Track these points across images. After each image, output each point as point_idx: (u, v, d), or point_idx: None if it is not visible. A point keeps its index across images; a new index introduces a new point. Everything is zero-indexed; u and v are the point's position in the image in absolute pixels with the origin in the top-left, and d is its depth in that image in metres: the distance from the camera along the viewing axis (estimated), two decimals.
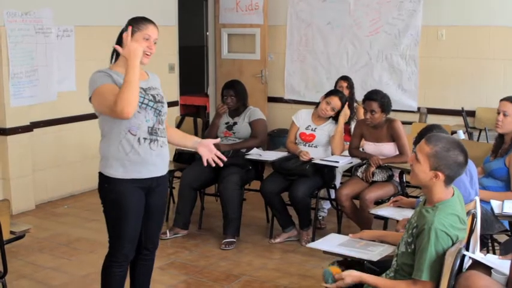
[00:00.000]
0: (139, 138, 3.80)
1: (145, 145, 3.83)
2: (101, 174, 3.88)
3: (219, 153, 4.12)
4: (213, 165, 4.13)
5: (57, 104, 7.35)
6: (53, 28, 7.19)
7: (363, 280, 3.25)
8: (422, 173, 3.18)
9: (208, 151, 4.11)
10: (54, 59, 7.25)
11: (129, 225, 3.88)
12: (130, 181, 3.83)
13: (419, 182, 3.24)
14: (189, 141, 4.18)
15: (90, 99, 3.80)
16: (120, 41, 3.81)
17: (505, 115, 4.95)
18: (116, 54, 3.92)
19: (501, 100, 5.08)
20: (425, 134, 3.85)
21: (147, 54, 3.81)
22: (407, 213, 4.43)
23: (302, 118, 6.31)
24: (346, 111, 6.16)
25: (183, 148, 6.63)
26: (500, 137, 5.12)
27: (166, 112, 3.98)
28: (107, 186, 3.85)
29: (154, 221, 4.07)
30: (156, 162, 3.90)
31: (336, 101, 6.13)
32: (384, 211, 4.67)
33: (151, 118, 3.84)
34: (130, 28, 3.76)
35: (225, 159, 4.15)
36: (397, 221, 4.33)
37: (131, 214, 3.86)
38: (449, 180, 3.18)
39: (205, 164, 4.12)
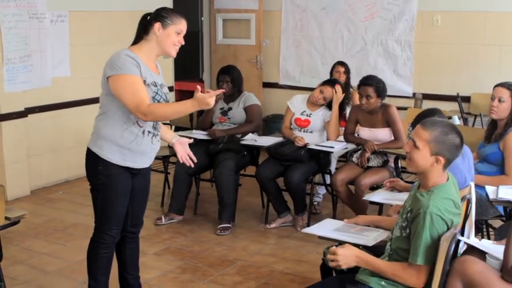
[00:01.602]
0: (144, 131, 3.84)
1: (148, 138, 3.87)
2: (95, 155, 3.85)
3: (191, 154, 4.16)
4: (187, 164, 4.17)
5: (51, 90, 7.32)
6: (47, 13, 7.15)
7: (360, 260, 3.24)
8: (423, 159, 3.17)
9: (183, 150, 4.16)
10: (48, 44, 7.22)
11: (118, 208, 3.93)
12: (125, 168, 3.86)
13: (419, 168, 3.22)
14: (169, 136, 4.21)
15: (107, 78, 3.72)
16: (145, 28, 3.83)
17: (500, 101, 4.95)
18: (139, 36, 3.90)
19: (496, 86, 5.08)
20: (427, 117, 3.85)
21: (177, 48, 3.87)
22: (401, 197, 4.45)
23: (297, 103, 6.31)
24: (338, 96, 6.15)
25: (178, 134, 6.64)
26: (493, 123, 5.12)
27: None
28: (101, 168, 3.85)
29: (139, 203, 4.13)
30: (151, 155, 3.99)
31: (329, 91, 6.14)
32: (378, 196, 4.67)
33: None
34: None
35: (195, 160, 4.17)
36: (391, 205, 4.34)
37: (121, 196, 3.91)
38: (448, 164, 3.19)
39: (180, 161, 4.18)
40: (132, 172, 3.93)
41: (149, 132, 3.86)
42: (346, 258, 3.23)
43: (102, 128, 3.84)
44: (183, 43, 3.86)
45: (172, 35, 3.80)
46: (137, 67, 3.71)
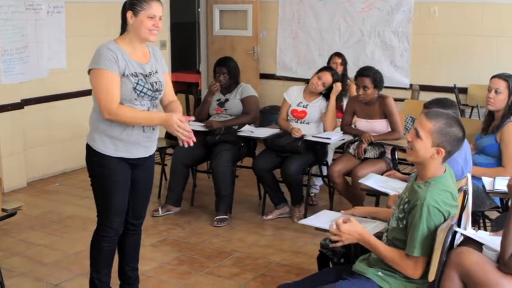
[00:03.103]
0: None
1: (139, 128, 3.85)
2: (89, 147, 3.90)
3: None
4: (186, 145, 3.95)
5: (48, 81, 7.31)
6: (43, 4, 7.12)
7: (362, 238, 3.25)
8: (424, 150, 3.17)
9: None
10: (45, 35, 7.20)
11: (117, 199, 3.92)
12: (119, 159, 3.86)
13: (419, 158, 3.21)
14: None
15: (89, 71, 3.80)
16: (123, 17, 3.82)
17: (497, 92, 4.96)
18: (122, 28, 3.90)
19: (492, 77, 5.09)
20: (441, 104, 3.87)
21: (154, 32, 3.81)
22: (396, 185, 4.46)
23: (293, 95, 6.30)
24: (337, 87, 6.14)
25: None
26: (490, 114, 5.13)
27: (162, 96, 4.00)
28: (96, 160, 3.88)
29: (141, 195, 4.12)
30: (147, 145, 3.96)
31: (327, 76, 6.12)
32: (372, 180, 4.69)
33: (146, 103, 3.87)
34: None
35: (194, 139, 3.95)
36: (387, 194, 4.35)
37: (119, 187, 3.90)
38: (448, 156, 3.19)
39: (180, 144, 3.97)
40: (131, 163, 3.92)
41: None
42: (349, 234, 3.24)
43: (94, 120, 3.88)
44: (160, 26, 3.81)
45: (145, 21, 3.75)
46: (115, 61, 3.73)
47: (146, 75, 3.84)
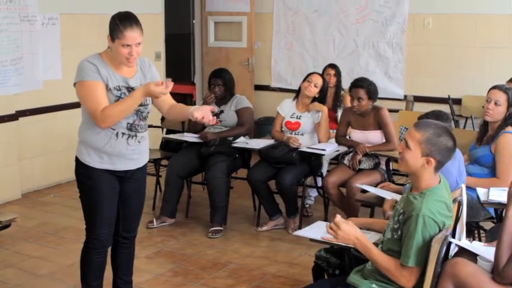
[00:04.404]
0: (117, 133, 3.85)
1: (123, 140, 3.87)
2: (77, 159, 3.95)
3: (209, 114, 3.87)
4: (212, 123, 3.89)
5: (42, 93, 7.30)
6: (38, 16, 7.13)
7: (359, 242, 3.24)
8: (414, 160, 3.18)
9: (203, 112, 3.84)
10: (40, 47, 7.20)
11: (104, 211, 3.93)
12: (104, 170, 3.88)
13: (410, 169, 3.22)
14: (188, 110, 3.95)
15: (74, 84, 3.83)
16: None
17: (496, 104, 4.87)
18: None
19: (492, 88, 4.99)
20: (434, 119, 3.88)
21: (131, 59, 3.76)
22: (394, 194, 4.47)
23: (286, 107, 6.30)
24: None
25: (170, 136, 6.64)
26: (485, 125, 5.09)
27: (150, 111, 3.98)
28: (83, 171, 3.92)
29: (131, 208, 4.11)
30: (133, 157, 3.95)
31: (316, 77, 6.13)
32: (370, 188, 4.71)
33: (131, 116, 3.86)
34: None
35: (215, 121, 3.91)
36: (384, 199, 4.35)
37: (105, 199, 3.91)
38: (439, 166, 3.19)
39: (205, 121, 3.85)
40: (118, 175, 3.94)
41: (123, 133, 3.86)
42: (346, 235, 3.25)
43: (81, 133, 3.93)
44: (136, 53, 3.74)
45: (120, 49, 3.71)
46: (97, 71, 3.74)
47: (130, 89, 3.83)
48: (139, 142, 3.94)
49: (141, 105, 3.85)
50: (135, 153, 3.94)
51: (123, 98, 3.78)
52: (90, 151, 3.86)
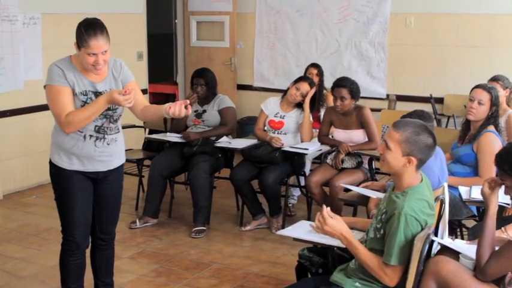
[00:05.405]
0: (85, 135, 3.85)
1: (91, 142, 3.87)
2: (50, 161, 3.96)
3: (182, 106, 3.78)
4: (183, 114, 3.75)
5: (24, 93, 7.25)
6: (19, 16, 7.08)
7: (344, 239, 3.21)
8: (395, 160, 3.19)
9: (177, 107, 3.73)
10: (21, 47, 7.15)
11: (76, 211, 3.92)
12: (74, 171, 3.89)
13: (392, 169, 3.24)
14: (161, 110, 3.85)
15: (44, 87, 3.85)
16: None
17: (480, 103, 4.90)
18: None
19: (475, 87, 5.02)
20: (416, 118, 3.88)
21: (97, 67, 3.74)
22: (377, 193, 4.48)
23: (271, 105, 6.31)
24: (311, 91, 6.14)
25: (152, 136, 6.62)
26: (467, 123, 5.11)
27: (121, 114, 3.97)
28: (55, 172, 3.94)
29: (107, 210, 4.11)
30: (102, 159, 3.94)
31: (305, 87, 6.15)
32: (354, 187, 4.72)
33: (100, 119, 3.85)
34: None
35: (189, 111, 3.80)
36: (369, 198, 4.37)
37: (77, 200, 3.91)
38: (420, 164, 3.21)
39: (174, 113, 3.73)
40: (90, 177, 3.93)
41: (91, 136, 3.86)
42: (332, 230, 3.20)
43: (52, 135, 3.95)
44: (102, 61, 3.71)
45: (86, 57, 3.70)
46: (63, 75, 3.75)
47: (97, 94, 3.81)
48: (108, 144, 3.92)
49: (109, 109, 3.83)
50: (104, 155, 3.92)
51: (89, 103, 3.77)
52: (60, 152, 3.88)
